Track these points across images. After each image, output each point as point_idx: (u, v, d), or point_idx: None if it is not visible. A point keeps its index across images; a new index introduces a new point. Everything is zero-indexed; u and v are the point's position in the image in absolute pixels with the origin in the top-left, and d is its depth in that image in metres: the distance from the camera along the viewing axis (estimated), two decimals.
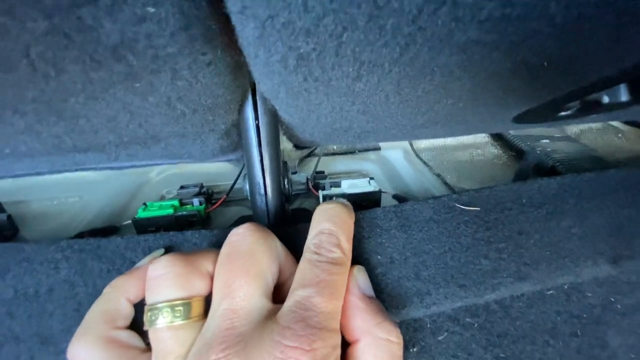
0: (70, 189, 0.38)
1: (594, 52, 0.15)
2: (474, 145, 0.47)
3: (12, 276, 0.22)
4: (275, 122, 0.23)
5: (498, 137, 0.46)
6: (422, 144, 0.47)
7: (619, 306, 0.23)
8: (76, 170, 0.33)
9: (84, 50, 0.12)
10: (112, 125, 0.18)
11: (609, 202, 0.25)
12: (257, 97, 0.21)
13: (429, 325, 0.22)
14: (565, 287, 0.23)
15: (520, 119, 0.26)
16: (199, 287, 0.18)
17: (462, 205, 0.24)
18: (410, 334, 0.22)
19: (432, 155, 0.46)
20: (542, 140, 0.42)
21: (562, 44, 0.14)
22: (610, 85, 0.20)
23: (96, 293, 0.20)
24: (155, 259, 0.19)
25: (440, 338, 0.21)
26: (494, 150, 0.46)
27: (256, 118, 0.22)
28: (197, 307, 0.18)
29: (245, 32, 0.12)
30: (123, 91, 0.15)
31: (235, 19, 0.12)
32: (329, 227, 0.20)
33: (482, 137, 0.48)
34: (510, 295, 0.22)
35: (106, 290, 0.20)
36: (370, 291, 0.20)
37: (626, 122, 0.50)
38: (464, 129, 0.29)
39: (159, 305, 0.17)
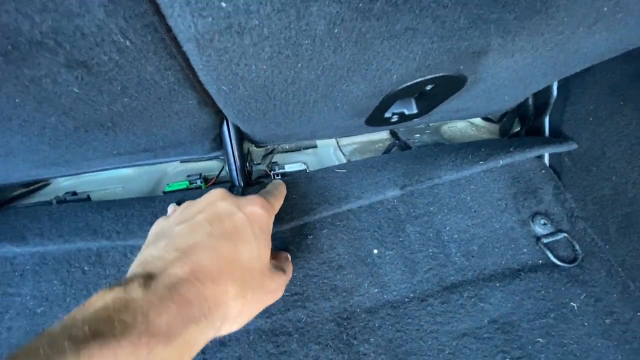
0: (115, 182, 0.60)
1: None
2: (380, 140, 0.71)
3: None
4: (240, 133, 0.47)
5: (394, 134, 0.70)
6: (345, 141, 0.70)
7: (412, 211, 0.46)
8: (119, 168, 0.55)
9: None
10: (154, 138, 0.40)
11: (406, 160, 0.49)
12: (229, 121, 0.44)
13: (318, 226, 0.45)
14: (381, 203, 0.46)
15: (369, 123, 0.50)
16: None
17: (337, 169, 0.48)
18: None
19: (352, 149, 0.69)
20: (415, 135, 0.66)
21: None
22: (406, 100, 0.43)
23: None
24: None
25: (324, 232, 0.44)
26: (389, 142, 0.70)
27: (229, 131, 0.45)
28: None
29: (218, 99, 0.35)
30: (160, 126, 0.37)
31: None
32: (269, 198, 0.39)
33: (386, 134, 0.72)
34: (357, 206, 0.46)
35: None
36: None
37: (483, 118, 0.75)
38: (332, 133, 0.53)
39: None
